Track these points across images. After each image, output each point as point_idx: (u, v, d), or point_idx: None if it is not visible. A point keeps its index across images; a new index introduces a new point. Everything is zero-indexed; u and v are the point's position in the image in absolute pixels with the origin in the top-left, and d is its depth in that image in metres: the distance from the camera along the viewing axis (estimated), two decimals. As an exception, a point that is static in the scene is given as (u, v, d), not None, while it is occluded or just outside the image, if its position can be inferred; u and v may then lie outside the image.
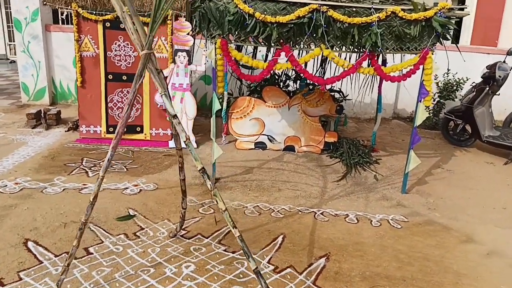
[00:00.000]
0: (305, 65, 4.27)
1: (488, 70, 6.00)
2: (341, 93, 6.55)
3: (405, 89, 7.54)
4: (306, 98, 5.97)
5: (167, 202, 4.10)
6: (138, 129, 6.02)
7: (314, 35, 4.14)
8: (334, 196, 4.59)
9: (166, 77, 5.83)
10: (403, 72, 4.46)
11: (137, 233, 3.48)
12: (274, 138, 6.06)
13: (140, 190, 4.32)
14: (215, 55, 4.28)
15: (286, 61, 4.30)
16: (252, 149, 6.00)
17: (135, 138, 6.01)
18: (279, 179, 4.98)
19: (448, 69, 7.47)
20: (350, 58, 6.07)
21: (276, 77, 6.50)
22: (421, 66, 4.30)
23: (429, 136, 7.25)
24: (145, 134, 6.03)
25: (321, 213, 4.10)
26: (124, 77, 5.82)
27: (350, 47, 4.23)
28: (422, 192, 4.87)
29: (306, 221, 3.90)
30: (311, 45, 4.25)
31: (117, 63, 5.76)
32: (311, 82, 6.50)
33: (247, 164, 5.42)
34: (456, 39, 11.15)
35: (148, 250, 3.23)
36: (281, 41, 4.18)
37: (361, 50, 4.25)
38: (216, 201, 2.46)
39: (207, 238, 3.46)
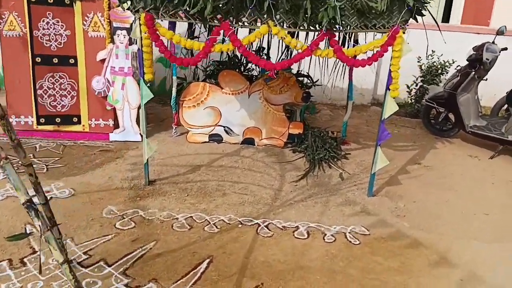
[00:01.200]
0: (259, 48, 3.49)
1: (475, 52, 5.27)
2: (309, 78, 5.79)
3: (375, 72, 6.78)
4: (269, 84, 5.22)
5: (78, 214, 3.38)
6: (75, 119, 5.24)
7: (259, 8, 3.38)
8: (288, 201, 3.90)
9: (104, 59, 5.06)
10: (371, 55, 3.72)
11: (25, 259, 2.78)
12: (231, 130, 5.33)
13: (51, 197, 3.59)
14: (140, 33, 3.51)
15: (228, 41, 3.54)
16: (206, 142, 5.27)
17: (72, 130, 5.25)
18: (229, 179, 4.28)
19: (432, 50, 6.73)
20: (307, 38, 5.32)
21: (236, 60, 5.73)
22: (390, 48, 3.56)
23: (409, 125, 6.56)
24: (83, 126, 5.27)
25: (266, 226, 3.41)
26: (55, 60, 5.01)
27: (304, 24, 3.47)
28: (393, 194, 4.19)
29: (245, 237, 3.22)
30: (257, 22, 3.49)
31: (46, 43, 4.94)
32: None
33: (195, 160, 4.70)
34: (446, 19, 10.47)
35: (28, 286, 2.53)
36: (219, 16, 3.41)
37: (318, 28, 3.49)
38: (51, 250, 1.72)
39: (110, 266, 2.75)
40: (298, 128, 5.33)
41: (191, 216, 3.48)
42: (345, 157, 5.02)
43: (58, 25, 4.94)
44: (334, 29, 3.46)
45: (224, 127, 5.32)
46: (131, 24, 4.97)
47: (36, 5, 4.80)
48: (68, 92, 5.15)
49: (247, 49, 3.54)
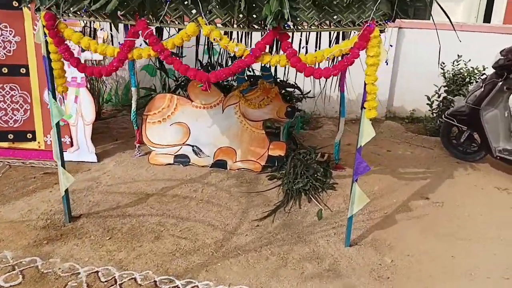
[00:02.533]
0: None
1: (503, 57, 4.13)
2: (296, 89, 4.88)
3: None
4: (246, 96, 4.38)
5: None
6: (29, 135, 4.65)
7: (185, 2, 2.57)
8: (235, 250, 3.03)
9: (56, 68, 4.43)
10: (339, 61, 2.78)
11: None
12: (200, 150, 4.53)
13: None
14: (43, 37, 2.81)
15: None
16: (170, 164, 4.50)
17: (27, 147, 4.67)
18: (175, 215, 3.48)
19: (458, 55, 5.58)
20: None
21: (209, 68, 4.93)
22: (362, 53, 2.62)
23: (427, 144, 5.43)
24: (39, 143, 4.67)
25: (187, 291, 2.57)
26: (4, 70, 4.45)
27: (243, 22, 2.61)
28: (381, 243, 3.21)
29: (150, 308, 2.40)
30: (183, 19, 2.67)
31: (-8, 51, 4.41)
32: (253, 74, 4.91)
33: (148, 188, 3.94)
34: (487, 19, 9.10)
35: None
36: (132, 12, 2.63)
37: (265, 27, 2.62)
38: None
39: None
40: (279, 149, 4.44)
41: (97, 272, 2.70)
42: (333, 187, 4.05)
43: (6, 31, 4.38)
44: (285, 27, 2.57)
45: (192, 146, 4.53)
46: (83, 28, 4.32)
47: (-20, 8, 4.27)
48: (21, 106, 4.57)
49: (171, 54, 2.72)
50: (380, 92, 6.24)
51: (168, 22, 2.67)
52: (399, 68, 6.37)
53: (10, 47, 4.42)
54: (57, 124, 3.08)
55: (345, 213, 3.60)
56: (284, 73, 4.86)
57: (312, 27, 2.58)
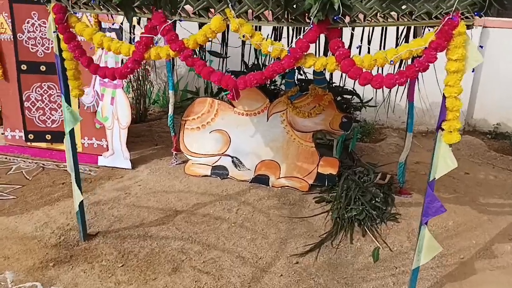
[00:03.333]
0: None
1: None
2: (355, 96, 4.18)
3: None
4: (295, 103, 3.81)
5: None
6: (67, 137, 4.46)
7: (211, -11, 2.07)
8: (264, 296, 2.47)
9: (93, 67, 4.16)
10: (406, 67, 2.10)
11: None
12: (241, 162, 4.02)
13: None
14: (54, 31, 2.45)
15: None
16: (207, 176, 4.05)
17: (64, 149, 4.45)
18: (201, 241, 3.00)
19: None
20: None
21: (256, 70, 4.39)
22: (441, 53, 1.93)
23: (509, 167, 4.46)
24: (76, 145, 4.45)
25: None
26: (43, 68, 4.28)
27: (281, 14, 2.04)
28: (455, 303, 2.47)
29: None
30: (208, 12, 2.16)
31: (32, 48, 4.24)
32: (304, 78, 4.30)
33: (178, 203, 3.52)
34: None
35: None
36: (148, 3, 2.17)
37: (308, 20, 2.03)
38: None
39: None
40: (331, 167, 3.79)
41: (97, 310, 2.29)
42: (395, 219, 3.33)
43: (45, 27, 4.19)
44: (335, 21, 1.95)
45: (232, 157, 4.04)
46: (121, 24, 4.00)
47: (19, 4, 4.11)
48: (59, 105, 4.39)
49: (196, 54, 2.22)
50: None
51: (190, 15, 2.17)
52: (481, 74, 5.39)
53: (49, 44, 4.23)
54: (71, 132, 2.74)
55: (409, 254, 2.90)
56: (341, 77, 4.18)
57: (371, 20, 1.94)
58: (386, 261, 2.85)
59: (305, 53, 2.05)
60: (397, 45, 3.31)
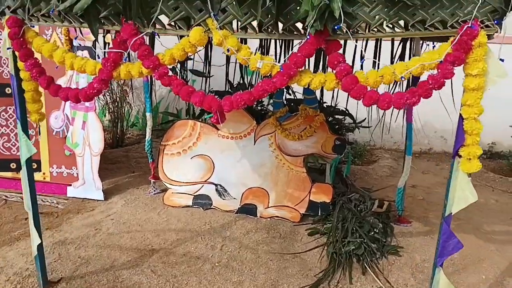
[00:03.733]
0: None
1: None
2: (348, 115, 3.92)
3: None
4: (284, 125, 3.51)
5: None
6: (34, 165, 4.01)
7: (189, -3, 1.77)
8: None
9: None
10: (418, 83, 1.82)
11: None
12: (226, 191, 3.68)
13: None
14: (8, 48, 2.11)
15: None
16: (188, 206, 3.68)
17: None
18: (180, 286, 2.61)
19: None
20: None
21: (241, 90, 4.09)
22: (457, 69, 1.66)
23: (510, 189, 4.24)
24: (44, 174, 4.05)
25: None
26: (8, 90, 3.91)
27: (272, 24, 1.75)
28: None
29: None
30: (190, 23, 1.86)
31: (-5, 68, 3.87)
32: (293, 98, 4.03)
33: (154, 240, 3.13)
34: None
35: None
36: (114, 13, 1.86)
37: (304, 33, 1.74)
38: None
39: None
40: (324, 194, 3.48)
41: None
42: (396, 252, 3.02)
43: (11, 46, 3.83)
44: (335, 31, 1.67)
45: (216, 185, 3.69)
46: (94, 42, 3.67)
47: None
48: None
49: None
50: (451, 119, 5.19)
51: (166, 27, 1.86)
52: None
53: (15, 64, 3.86)
54: (28, 163, 2.35)
55: (415, 294, 2.57)
56: (332, 96, 3.93)
57: (377, 30, 1.67)
58: (391, 304, 2.51)
59: (300, 70, 1.75)
60: (404, 59, 3.06)
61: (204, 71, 4.06)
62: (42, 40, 2.04)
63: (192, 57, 4.07)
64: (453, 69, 1.61)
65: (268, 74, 1.80)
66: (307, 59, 1.76)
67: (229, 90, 4.09)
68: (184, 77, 4.12)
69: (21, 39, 2.03)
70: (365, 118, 3.97)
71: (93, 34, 1.89)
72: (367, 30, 1.69)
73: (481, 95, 1.63)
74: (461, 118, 1.70)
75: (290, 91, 4.06)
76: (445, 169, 4.91)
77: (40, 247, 2.46)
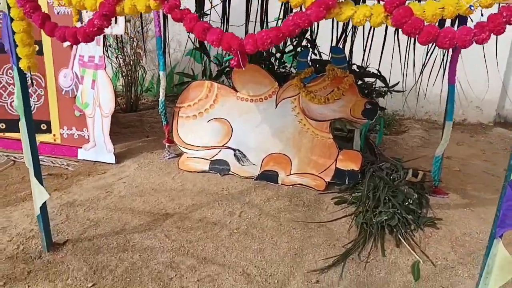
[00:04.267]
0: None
1: None
2: (381, 79, 3.58)
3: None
4: (309, 87, 3.20)
5: None
6: (44, 126, 3.86)
7: None
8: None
9: (72, 45, 3.57)
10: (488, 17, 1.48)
11: None
12: (244, 156, 3.42)
13: None
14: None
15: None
16: (204, 172, 3.45)
17: (41, 140, 3.86)
18: (196, 251, 2.39)
19: None
20: None
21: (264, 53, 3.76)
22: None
23: None
24: (54, 135, 3.85)
25: None
26: (15, 45, 3.68)
27: None
28: None
29: None
30: None
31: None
32: (319, 59, 3.69)
33: (169, 204, 2.91)
34: None
35: None
36: None
37: None
38: None
39: None
40: (352, 161, 3.19)
41: None
42: (433, 224, 2.72)
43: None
44: None
45: (234, 150, 3.44)
46: None
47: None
48: (34, 90, 3.78)
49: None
50: (488, 88, 4.78)
51: None
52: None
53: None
54: (27, 112, 2.12)
55: (456, 270, 2.30)
56: (363, 58, 3.57)
57: None
58: (429, 280, 2.24)
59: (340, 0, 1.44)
60: None
61: (222, 27, 3.74)
62: (40, -34, 1.76)
63: (208, 13, 3.77)
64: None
65: (297, 6, 1.50)
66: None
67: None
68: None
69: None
70: (398, 82, 3.62)
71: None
72: None
73: None
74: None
75: (316, 51, 3.73)
76: (480, 140, 4.55)
77: (43, 206, 2.25)
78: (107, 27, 1.71)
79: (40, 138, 3.83)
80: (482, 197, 3.16)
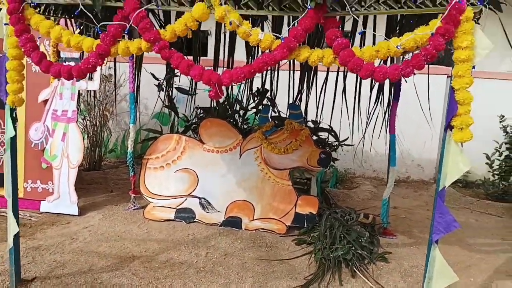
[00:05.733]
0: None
1: None
2: (332, 134, 4.01)
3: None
4: (270, 139, 3.54)
5: None
6: (7, 180, 3.84)
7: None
8: None
9: (47, 100, 3.76)
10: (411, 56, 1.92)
11: None
12: (209, 204, 3.60)
13: None
14: (5, 23, 2.11)
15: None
16: (170, 220, 3.56)
17: (3, 194, 3.83)
18: (164, 287, 2.46)
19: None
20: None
21: (228, 106, 4.15)
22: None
23: (493, 211, 4.35)
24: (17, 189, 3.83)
25: None
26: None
27: (273, 0, 1.84)
28: None
29: None
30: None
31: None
32: (277, 114, 4.12)
33: (135, 248, 2.97)
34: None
35: None
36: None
37: (303, 7, 1.84)
38: None
39: None
40: (310, 206, 3.46)
41: None
42: (384, 258, 2.98)
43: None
44: (332, 8, 1.78)
45: (200, 198, 3.61)
46: (82, 54, 3.70)
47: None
48: (2, 144, 3.84)
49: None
50: (427, 148, 5.37)
51: (170, 2, 1.93)
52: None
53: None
54: (12, 141, 2.26)
55: (406, 295, 2.51)
56: (316, 114, 4.03)
57: (371, 8, 1.78)
58: (384, 304, 2.44)
59: (297, 42, 1.83)
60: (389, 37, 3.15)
61: (189, 90, 4.12)
62: (41, 18, 2.05)
63: (178, 74, 4.14)
64: (444, 42, 1.72)
65: (266, 49, 1.86)
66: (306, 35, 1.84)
67: (215, 107, 4.13)
68: (170, 94, 4.15)
69: (20, 14, 2.03)
70: (348, 138, 4.07)
71: (96, 9, 1.93)
72: (362, 8, 1.80)
73: (470, 66, 1.74)
74: (452, 90, 1.79)
75: (275, 110, 4.15)
76: (424, 195, 5.00)
77: (16, 238, 2.29)
78: (100, 65, 1.98)
79: (2, 192, 3.83)
80: (426, 237, 3.45)
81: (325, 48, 1.86)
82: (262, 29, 1.93)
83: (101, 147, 5.39)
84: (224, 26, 3.77)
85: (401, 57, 2.84)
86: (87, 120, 5.24)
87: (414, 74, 1.81)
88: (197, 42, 3.80)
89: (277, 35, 1.82)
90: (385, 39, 1.83)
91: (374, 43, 1.88)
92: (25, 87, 3.62)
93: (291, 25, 1.85)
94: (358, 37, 3.13)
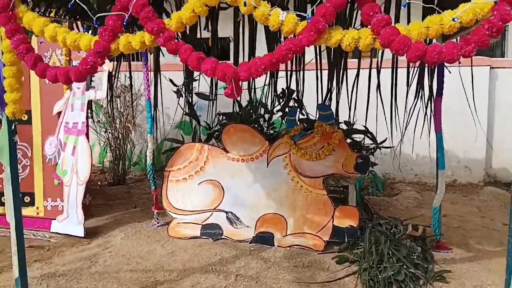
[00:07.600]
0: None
1: None
2: (368, 134, 3.62)
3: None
4: (299, 144, 3.20)
5: None
6: (27, 199, 3.69)
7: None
8: None
9: (60, 112, 3.58)
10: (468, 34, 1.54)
11: None
12: (237, 218, 3.28)
13: None
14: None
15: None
16: (195, 237, 3.26)
17: (23, 214, 3.65)
18: (190, 318, 2.15)
19: None
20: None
21: (252, 111, 3.83)
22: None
23: None
24: (37, 208, 3.67)
25: None
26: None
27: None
28: None
29: None
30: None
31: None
32: (305, 117, 3.76)
33: (156, 272, 2.69)
34: None
35: None
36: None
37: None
38: None
39: None
40: (349, 218, 3.07)
41: None
42: (442, 278, 2.55)
43: (10, 71, 3.65)
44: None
45: (226, 212, 3.30)
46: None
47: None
48: (19, 160, 3.68)
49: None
50: (474, 147, 4.85)
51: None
52: (495, 119, 4.97)
53: None
54: (12, 157, 2.03)
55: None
56: (349, 115, 3.65)
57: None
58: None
59: (326, 23, 1.49)
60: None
61: (210, 94, 3.84)
62: (34, 15, 1.81)
63: (197, 78, 3.87)
64: (511, 12, 1.34)
65: (289, 33, 1.54)
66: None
67: (238, 111, 3.83)
68: (190, 101, 3.89)
69: (10, 12, 1.80)
70: (386, 139, 3.65)
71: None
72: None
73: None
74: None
75: (303, 112, 3.80)
76: (475, 199, 4.49)
77: (23, 270, 2.05)
78: (100, 65, 1.72)
79: (23, 211, 3.66)
80: (486, 249, 3.02)
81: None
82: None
83: (125, 160, 5.20)
84: (243, 28, 3.54)
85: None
86: (109, 132, 5.06)
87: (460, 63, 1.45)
88: (217, 47, 3.53)
89: (303, 14, 1.48)
90: (438, 12, 1.47)
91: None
92: (39, 101, 3.62)
93: (317, 2, 1.51)
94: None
